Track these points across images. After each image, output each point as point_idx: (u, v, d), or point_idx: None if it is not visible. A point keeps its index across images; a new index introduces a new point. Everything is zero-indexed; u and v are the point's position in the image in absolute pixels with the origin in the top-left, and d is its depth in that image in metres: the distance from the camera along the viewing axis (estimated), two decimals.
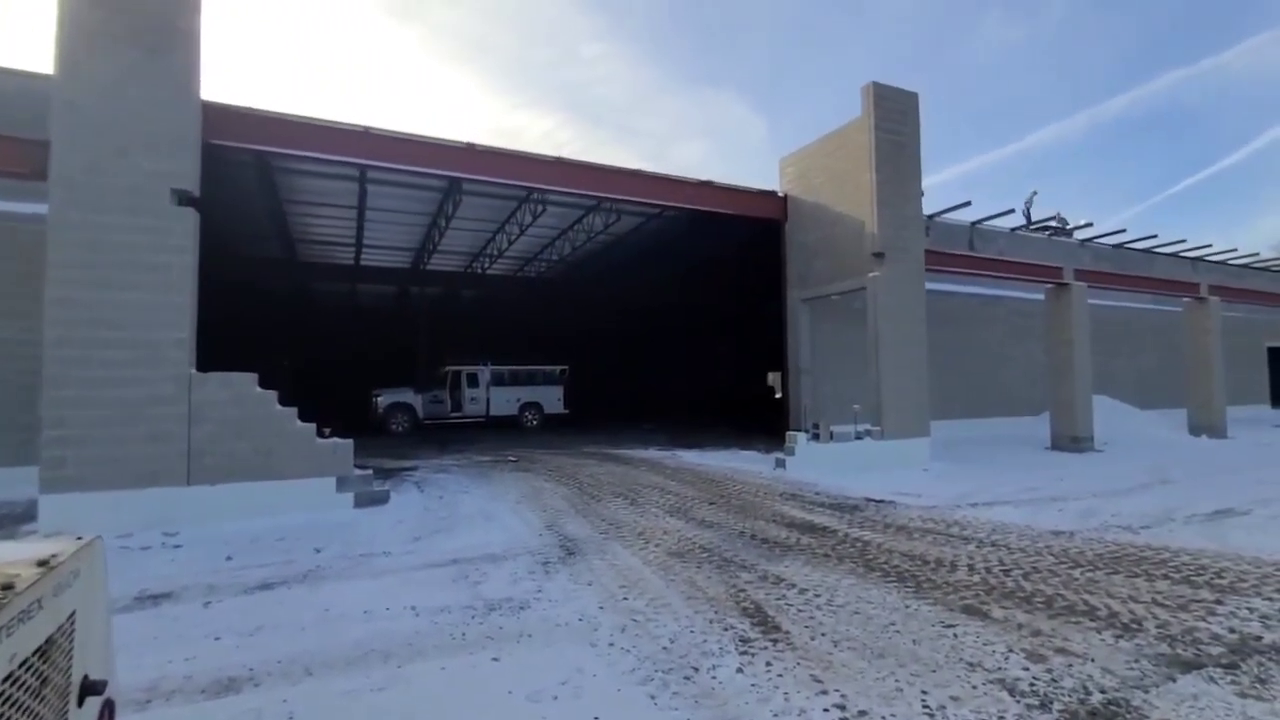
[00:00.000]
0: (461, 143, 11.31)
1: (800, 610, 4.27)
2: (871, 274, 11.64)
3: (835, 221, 12.68)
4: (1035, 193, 17.25)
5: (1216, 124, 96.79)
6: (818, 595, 4.57)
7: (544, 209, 16.04)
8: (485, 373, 20.95)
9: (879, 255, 11.61)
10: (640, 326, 30.89)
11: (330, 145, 10.36)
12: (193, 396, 7.10)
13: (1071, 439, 13.40)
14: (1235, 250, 21.92)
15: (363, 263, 21.74)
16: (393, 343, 26.41)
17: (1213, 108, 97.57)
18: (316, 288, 24.88)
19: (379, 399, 19.14)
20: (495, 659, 3.59)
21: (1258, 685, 3.16)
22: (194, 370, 7.23)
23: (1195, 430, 16.00)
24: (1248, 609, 4.20)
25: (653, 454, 13.25)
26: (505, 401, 21.08)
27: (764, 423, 19.46)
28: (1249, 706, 2.96)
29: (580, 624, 4.10)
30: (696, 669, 3.42)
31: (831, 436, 11.14)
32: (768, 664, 3.47)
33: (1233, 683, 3.19)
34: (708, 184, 13.68)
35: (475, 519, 7.24)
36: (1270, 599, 4.39)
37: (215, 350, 10.37)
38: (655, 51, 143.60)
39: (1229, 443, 14.68)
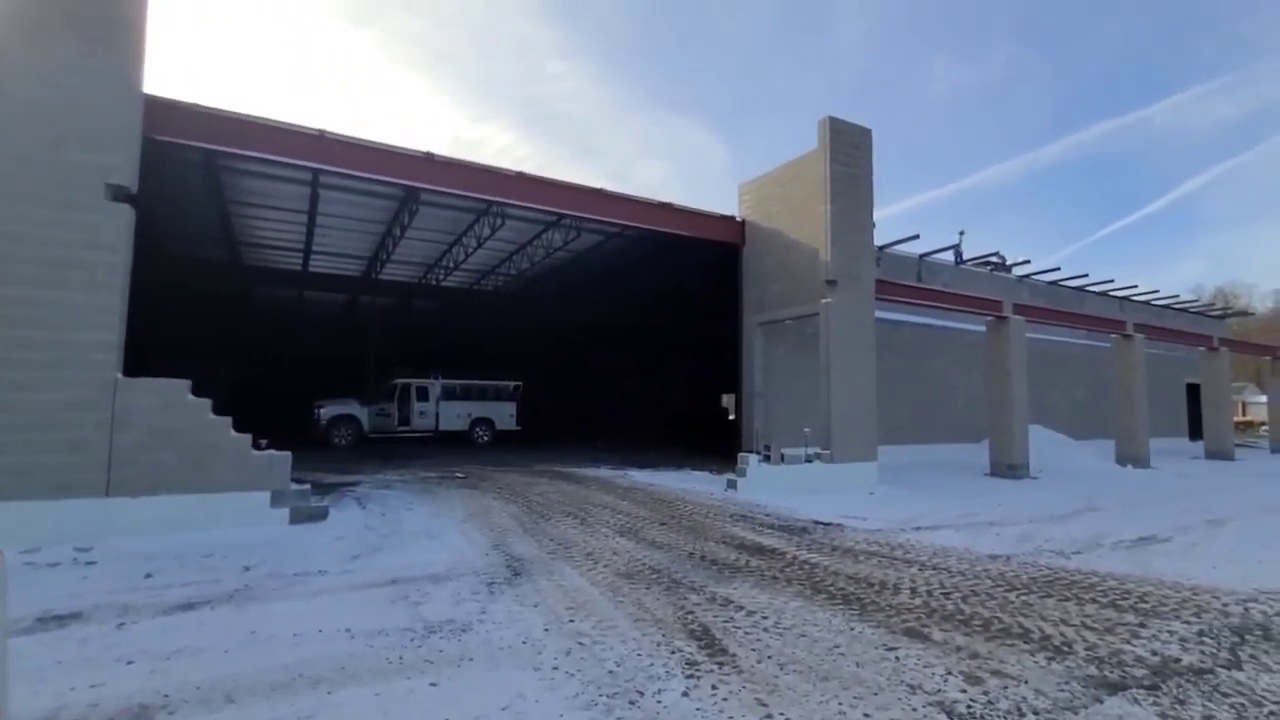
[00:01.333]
0: (421, 152, 11.15)
1: (747, 633, 4.26)
2: (824, 300, 11.94)
3: (790, 248, 12.99)
4: (963, 233, 18.20)
5: (1141, 173, 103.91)
6: (765, 618, 4.57)
7: (503, 223, 15.93)
8: (436, 386, 20.50)
9: (832, 283, 11.93)
10: (597, 345, 30.83)
11: (283, 147, 10.05)
12: (117, 403, 6.69)
13: (1009, 466, 13.93)
14: (1158, 291, 23.45)
15: (311, 269, 21.10)
16: (341, 353, 25.61)
17: (1138, 157, 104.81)
18: (261, 293, 23.97)
19: (322, 411, 18.46)
20: (433, 684, 3.45)
21: (1177, 706, 3.30)
22: (120, 375, 6.82)
23: (1122, 460, 16.87)
24: (1168, 632, 4.40)
25: (605, 473, 13.15)
26: (456, 416, 20.64)
27: (717, 444, 19.59)
28: None
29: (524, 647, 3.98)
30: (642, 693, 3.36)
31: (782, 459, 11.28)
32: (714, 687, 3.44)
33: (1154, 704, 3.32)
34: (668, 206, 13.85)
35: (418, 537, 7.00)
36: (1188, 622, 4.61)
37: (148, 355, 9.83)
38: (619, 71, 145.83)
39: (1152, 473, 15.52)
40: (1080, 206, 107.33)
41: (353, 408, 18.96)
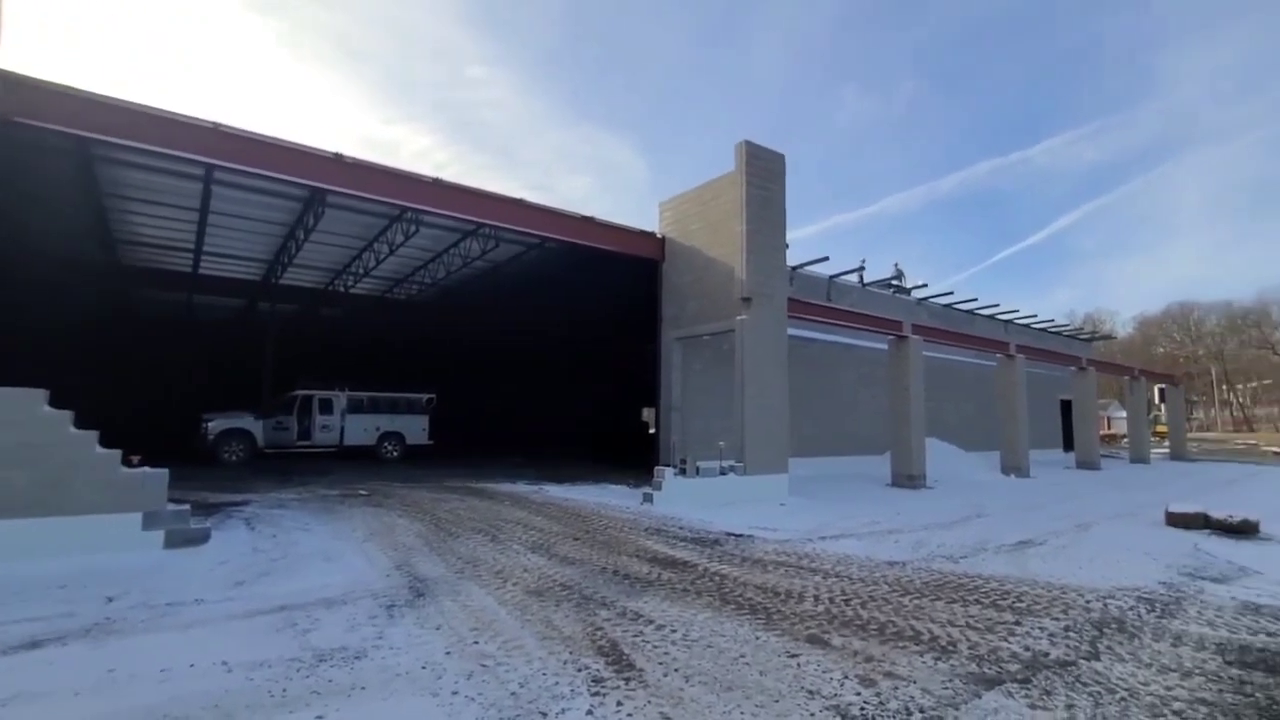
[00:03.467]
0: (329, 151, 10.65)
1: (655, 646, 4.25)
2: (740, 317, 12.28)
3: (708, 266, 13.31)
4: (864, 260, 19.47)
5: (1023, 207, 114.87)
6: (674, 630, 4.58)
7: (417, 229, 15.41)
8: (341, 398, 19.39)
9: (747, 300, 12.30)
10: (516, 357, 30.29)
11: (171, 139, 9.33)
12: None
13: (908, 477, 14.76)
14: (1036, 316, 25.75)
15: (202, 271, 19.57)
16: (236, 362, 23.86)
17: (1020, 193, 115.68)
18: (143, 297, 21.97)
19: (209, 424, 17.02)
20: (319, 717, 3.21)
21: (1045, 697, 3.56)
22: None
23: (1006, 470, 18.27)
24: (1039, 628, 4.77)
25: (520, 488, 12.86)
26: (362, 430, 19.58)
27: (637, 458, 19.62)
28: (1037, 717, 3.33)
29: (423, 672, 3.79)
30: (545, 714, 3.27)
31: (698, 472, 11.44)
32: (619, 703, 3.40)
33: (1025, 696, 3.57)
34: (589, 219, 13.88)
35: (313, 559, 6.56)
36: (1057, 619, 5.01)
37: (4, 363, 8.75)
38: (544, 82, 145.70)
39: (1032, 481, 16.88)
40: (973, 235, 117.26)
41: (245, 421, 17.59)
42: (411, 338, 26.70)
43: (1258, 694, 3.66)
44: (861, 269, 19.09)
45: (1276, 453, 31.82)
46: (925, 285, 21.32)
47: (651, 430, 16.57)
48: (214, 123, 9.61)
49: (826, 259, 16.63)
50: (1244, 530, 8.89)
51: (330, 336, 26.01)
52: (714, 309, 13.01)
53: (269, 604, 5.08)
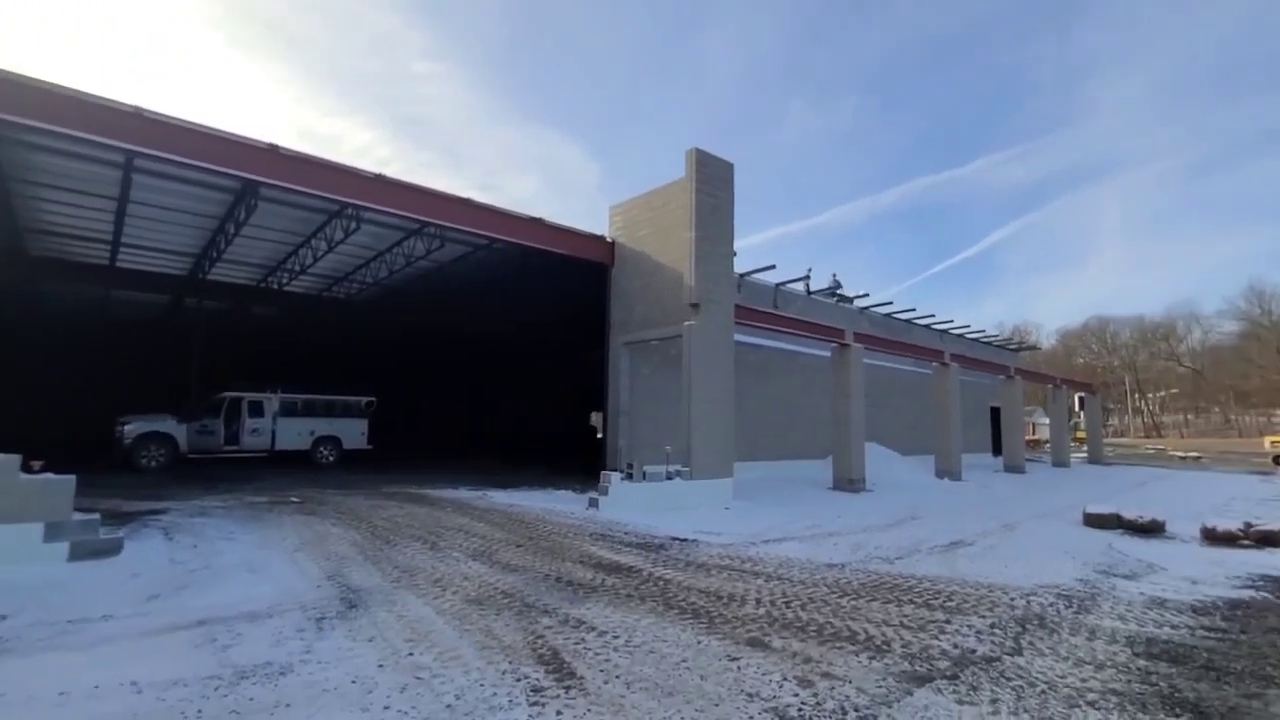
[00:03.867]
0: (264, 142, 10.20)
1: (597, 654, 4.20)
2: (688, 323, 12.37)
3: (656, 271, 13.37)
4: (810, 269, 19.96)
5: (958, 223, 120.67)
6: (616, 637, 4.54)
7: (358, 226, 14.90)
8: (273, 401, 18.50)
9: (695, 306, 12.41)
10: (461, 360, 29.68)
11: (88, 122, 8.74)
12: None
13: (849, 481, 15.16)
14: (969, 326, 27.01)
15: (121, 264, 18.37)
16: (160, 363, 22.49)
17: (955, 209, 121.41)
18: (54, 290, 20.43)
19: (126, 428, 15.95)
20: None
21: (971, 693, 3.70)
22: None
23: (940, 474, 19.01)
24: (968, 626, 4.95)
25: (462, 494, 12.56)
26: (296, 434, 18.72)
27: (585, 462, 19.49)
28: (964, 712, 3.45)
29: (353, 686, 3.63)
30: None
31: (644, 476, 11.43)
32: (558, 713, 3.34)
33: (954, 692, 3.70)
34: (538, 221, 13.74)
35: (237, 570, 6.21)
36: (983, 616, 5.23)
37: None
38: (492, 80, 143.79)
39: (963, 485, 17.62)
40: (912, 247, 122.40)
41: (166, 424, 16.53)
42: (351, 338, 25.78)
43: (1162, 683, 3.90)
44: (807, 278, 19.60)
45: (1182, 457, 34.32)
46: (867, 294, 22.06)
47: (599, 435, 16.54)
48: (135, 107, 9.05)
49: (773, 267, 17.00)
50: (1152, 530, 9.52)
51: (263, 336, 24.84)
52: (662, 314, 13.07)
53: (187, 619, 4.77)
